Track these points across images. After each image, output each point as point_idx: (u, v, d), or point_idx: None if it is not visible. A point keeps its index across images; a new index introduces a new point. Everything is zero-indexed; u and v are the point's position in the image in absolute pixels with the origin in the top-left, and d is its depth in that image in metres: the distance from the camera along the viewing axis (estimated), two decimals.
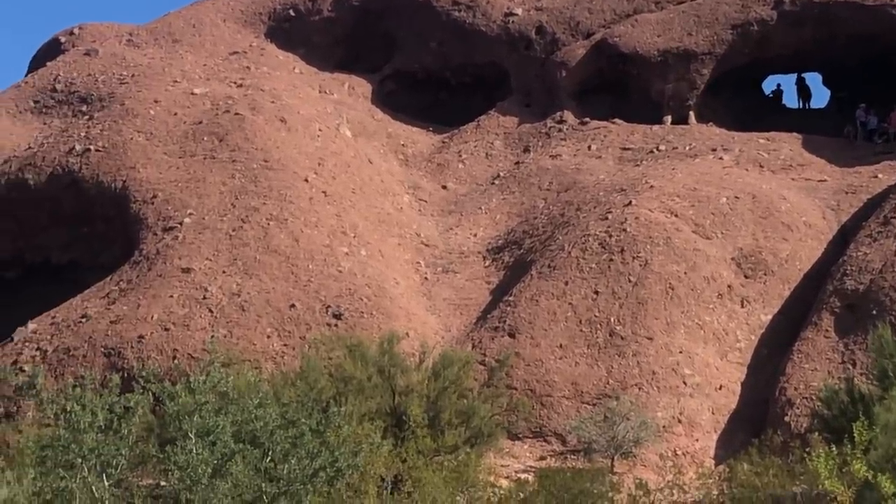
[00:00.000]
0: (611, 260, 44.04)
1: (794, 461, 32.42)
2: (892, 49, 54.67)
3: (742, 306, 43.72)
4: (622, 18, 57.74)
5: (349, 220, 48.83)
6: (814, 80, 62.40)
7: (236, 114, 51.80)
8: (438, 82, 61.42)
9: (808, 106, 62.39)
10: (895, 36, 54.14)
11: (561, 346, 42.04)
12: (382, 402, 34.36)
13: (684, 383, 41.18)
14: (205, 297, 43.77)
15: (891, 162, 49.75)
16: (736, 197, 47.38)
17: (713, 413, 40.62)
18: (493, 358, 41.06)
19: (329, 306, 43.53)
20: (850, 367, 38.72)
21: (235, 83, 55.99)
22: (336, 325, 42.52)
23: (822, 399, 35.69)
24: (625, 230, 44.87)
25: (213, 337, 39.85)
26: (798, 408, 38.64)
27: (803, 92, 62.56)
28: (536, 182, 52.71)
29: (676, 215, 46.14)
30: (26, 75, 65.52)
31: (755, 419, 40.04)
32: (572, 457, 39.14)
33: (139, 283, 45.38)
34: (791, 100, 63.23)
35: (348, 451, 22.04)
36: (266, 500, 20.35)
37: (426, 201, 54.52)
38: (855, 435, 23.85)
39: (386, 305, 44.30)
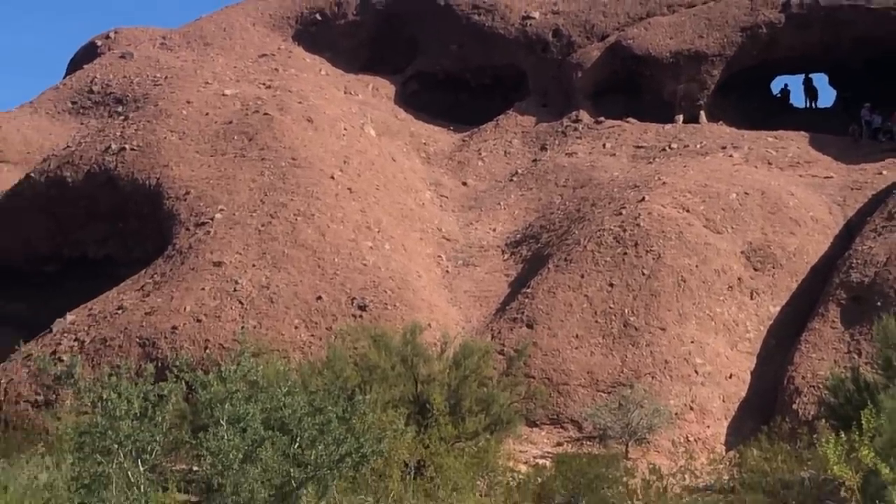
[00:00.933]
0: (625, 253, 44.02)
1: (802, 447, 32.69)
2: (895, 50, 55.06)
3: (751, 298, 43.68)
4: (635, 21, 57.81)
5: (373, 215, 48.78)
6: (820, 80, 62.25)
7: (265, 114, 51.80)
8: (459, 83, 61.36)
9: (815, 105, 62.64)
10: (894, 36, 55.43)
11: (577, 336, 41.87)
12: (406, 391, 33.94)
13: (696, 372, 41.16)
14: (235, 290, 43.61)
15: (894, 159, 50.19)
16: (745, 193, 47.39)
17: (724, 401, 40.54)
18: (511, 348, 41.04)
19: (354, 298, 43.21)
20: (856, 356, 38.72)
21: (264, 84, 55.91)
22: (361, 317, 42.00)
23: (829, 387, 35.74)
24: (638, 225, 44.81)
25: (243, 328, 39.76)
26: (805, 396, 38.71)
27: (810, 92, 62.63)
28: (553, 179, 52.80)
29: (688, 210, 46.15)
30: (64, 77, 65.97)
31: (764, 407, 40.06)
32: (588, 443, 39.01)
33: (172, 276, 45.31)
34: (798, 99, 63.21)
35: (373, 437, 21.80)
36: (294, 485, 20.19)
37: (447, 197, 54.60)
38: (863, 422, 22.14)
39: (409, 297, 43.96)
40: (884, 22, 53.74)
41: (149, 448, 20.26)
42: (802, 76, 61.90)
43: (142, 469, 19.84)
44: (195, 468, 21.51)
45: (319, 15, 64.46)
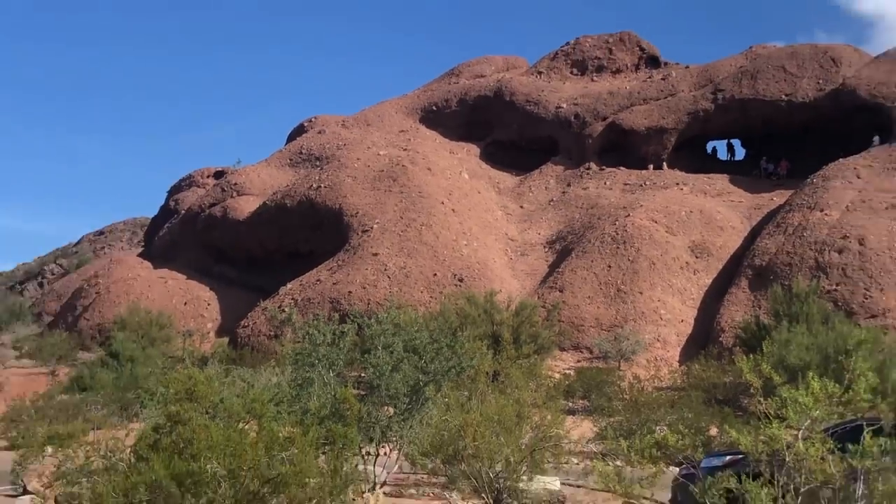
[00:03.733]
0: (617, 248, 50.54)
1: (725, 364, 36.60)
2: (781, 125, 60.18)
3: (694, 274, 50.41)
4: (623, 109, 63.23)
5: (466, 225, 53.93)
6: (736, 143, 67.23)
7: (402, 165, 57.27)
8: (517, 147, 66.04)
9: (733, 158, 66.74)
10: (783, 118, 60.07)
11: (589, 297, 48.78)
12: (486, 330, 38.44)
13: (661, 319, 47.69)
14: (385, 270, 50.53)
15: (781, 191, 54.76)
16: (690, 211, 53.23)
17: (677, 336, 47.31)
18: (549, 304, 47.12)
19: (455, 274, 49.80)
20: (758, 309, 44.31)
21: (402, 148, 60.61)
22: (459, 286, 48.18)
23: (741, 328, 41.77)
24: (626, 230, 51.20)
25: (390, 293, 45.95)
26: (727, 333, 44.24)
27: (730, 150, 67.35)
28: (574, 203, 59.02)
29: (656, 222, 52.17)
30: (285, 145, 71.57)
31: (702, 339, 45.39)
32: (596, 361, 44.44)
33: (348, 261, 52.38)
34: (722, 155, 67.71)
35: (468, 357, 22.49)
36: (421, 385, 21.20)
37: (511, 215, 59.56)
38: (763, 348, 26.89)
39: (488, 274, 50.09)
40: (774, 109, 59.70)
41: (336, 362, 21.68)
42: (725, 141, 67.01)
43: (331, 375, 21.31)
44: (363, 374, 22.13)
45: (434, 107, 69.58)
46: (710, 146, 65.82)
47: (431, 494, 21.45)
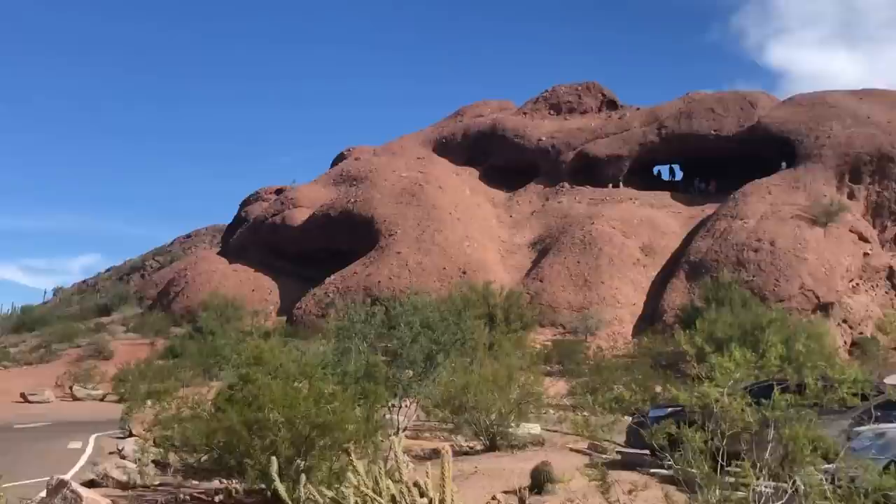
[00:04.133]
0: (584, 248, 50.82)
1: (667, 337, 35.89)
2: (711, 153, 59.32)
3: (644, 268, 50.27)
4: (590, 141, 62.36)
5: (469, 231, 53.88)
6: (676, 167, 65.30)
7: (419, 185, 57.46)
8: (508, 170, 64.14)
9: (673, 179, 65.15)
10: (712, 148, 59.34)
11: (562, 286, 48.96)
12: (483, 311, 38.11)
13: (618, 302, 47.92)
14: (406, 265, 50.70)
15: (710, 204, 54.14)
16: (641, 219, 53.22)
17: (631, 316, 47.64)
18: (532, 291, 48.08)
19: (460, 268, 49.90)
20: (692, 295, 44.80)
21: (419, 171, 60.28)
22: (463, 276, 48.47)
23: (680, 309, 42.82)
24: (591, 235, 51.47)
25: (410, 283, 46.69)
26: (668, 313, 45.11)
27: (671, 173, 65.74)
28: (551, 214, 57.76)
29: (614, 228, 52.21)
30: (329, 168, 69.86)
31: (649, 318, 46.23)
32: (568, 335, 45.17)
33: (378, 258, 52.35)
34: (666, 176, 65.64)
35: (470, 332, 23.16)
36: (434, 353, 21.41)
37: (503, 223, 58.28)
38: (697, 325, 25.36)
39: (485, 268, 50.08)
40: (705, 141, 59.18)
41: (368, 336, 21.85)
42: (668, 165, 65.46)
43: (365, 345, 21.43)
44: (389, 345, 22.06)
45: (444, 139, 68.34)
46: (655, 170, 65.34)
47: (442, 437, 21.50)
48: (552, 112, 68.26)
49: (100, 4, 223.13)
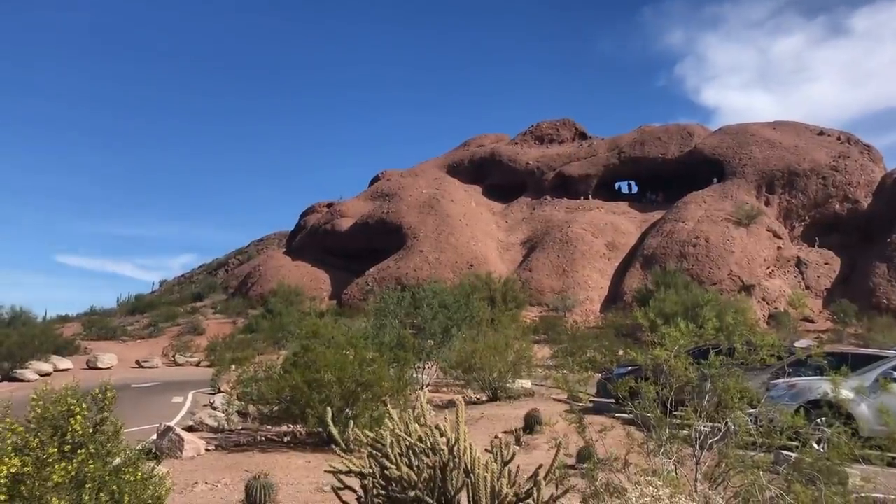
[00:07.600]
0: (563, 246, 49.90)
1: (627, 313, 36.88)
2: (659, 172, 58.30)
3: (608, 261, 49.36)
4: (566, 164, 61.43)
5: (474, 233, 53.06)
6: (633, 183, 63.54)
7: (436, 199, 56.62)
8: (503, 187, 63.73)
9: (631, 192, 63.68)
10: (660, 168, 58.35)
11: (546, 275, 48.15)
12: (486, 294, 38.13)
13: (589, 287, 47.13)
14: (427, 260, 49.77)
15: (659, 211, 53.42)
16: (606, 224, 52.32)
17: (599, 297, 46.75)
18: (523, 279, 47.07)
19: (468, 262, 49.14)
20: (646, 280, 43.45)
21: (436, 188, 58.92)
22: (470, 269, 48.12)
23: (636, 292, 41.63)
24: (568, 236, 50.60)
25: (430, 274, 45.69)
26: (628, 295, 44.09)
27: (629, 188, 63.91)
28: (537, 220, 56.76)
29: (585, 230, 51.28)
30: (368, 187, 67.41)
31: (613, 299, 45.41)
32: (552, 313, 44.33)
33: (406, 256, 51.50)
34: (625, 190, 64.01)
35: (476, 310, 23.42)
36: (449, 327, 21.54)
37: (500, 227, 57.05)
38: (649, 304, 29.17)
39: (487, 262, 49.63)
40: (655, 163, 57.82)
41: (399, 314, 22.00)
42: (626, 182, 63.83)
43: (396, 322, 20.68)
44: (415, 321, 22.01)
45: (455, 164, 67.14)
46: (617, 185, 64.20)
47: (456, 391, 21.33)
48: (537, 142, 66.93)
49: (214, 28, 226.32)
